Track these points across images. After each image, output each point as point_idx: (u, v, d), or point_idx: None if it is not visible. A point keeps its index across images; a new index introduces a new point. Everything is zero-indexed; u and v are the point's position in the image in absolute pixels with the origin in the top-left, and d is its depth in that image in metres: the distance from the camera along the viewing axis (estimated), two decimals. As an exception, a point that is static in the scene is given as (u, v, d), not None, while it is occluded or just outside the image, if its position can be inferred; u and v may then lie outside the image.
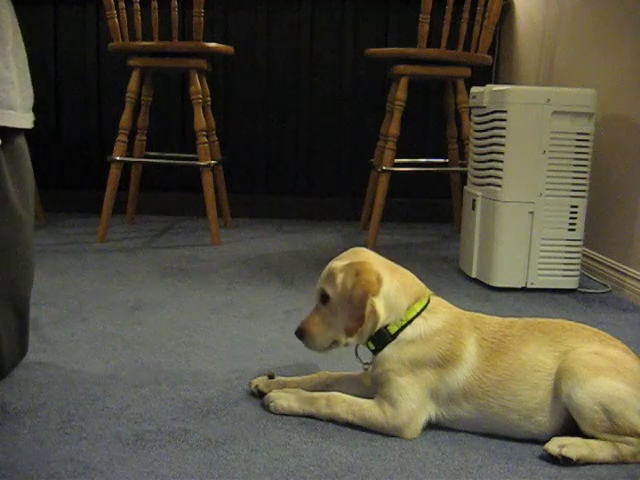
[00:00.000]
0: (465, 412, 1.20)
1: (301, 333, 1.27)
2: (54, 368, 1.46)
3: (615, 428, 1.11)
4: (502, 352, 1.19)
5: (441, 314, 1.23)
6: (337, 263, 1.25)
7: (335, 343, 1.26)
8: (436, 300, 1.26)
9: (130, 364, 1.50)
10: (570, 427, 1.15)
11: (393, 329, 1.22)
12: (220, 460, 1.11)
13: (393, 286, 1.23)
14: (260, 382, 1.35)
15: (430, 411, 1.21)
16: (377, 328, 1.23)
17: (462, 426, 1.22)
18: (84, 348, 1.59)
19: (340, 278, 1.21)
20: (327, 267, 1.27)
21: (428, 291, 1.27)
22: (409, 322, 1.22)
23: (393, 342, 1.22)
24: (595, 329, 1.24)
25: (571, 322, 1.26)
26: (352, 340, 1.24)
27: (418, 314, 1.22)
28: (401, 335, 1.22)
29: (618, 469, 1.11)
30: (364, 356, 1.28)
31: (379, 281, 1.21)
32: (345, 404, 1.23)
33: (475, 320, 1.24)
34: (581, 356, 1.15)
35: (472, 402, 1.19)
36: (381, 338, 1.23)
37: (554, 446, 1.12)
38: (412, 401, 1.19)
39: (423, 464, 1.11)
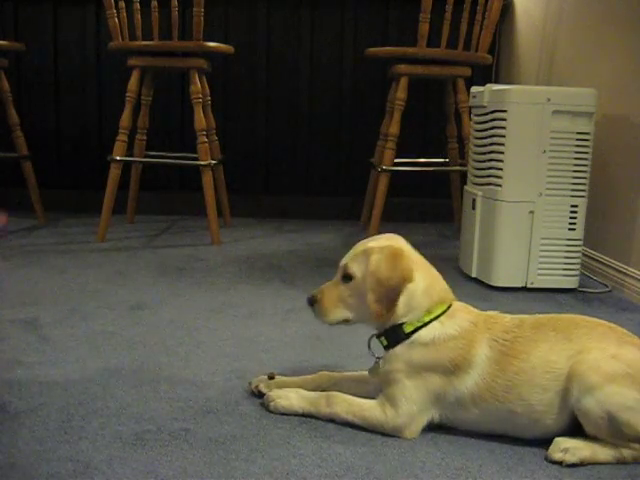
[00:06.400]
0: (471, 415, 1.18)
1: (313, 302, 1.25)
2: (54, 368, 1.46)
3: (620, 435, 1.10)
4: (513, 356, 1.16)
5: (459, 319, 1.20)
6: (372, 244, 1.23)
7: (345, 321, 1.25)
8: (458, 305, 1.24)
9: (130, 364, 1.50)
10: (576, 424, 1.14)
11: (408, 328, 1.20)
12: (220, 460, 1.11)
13: (421, 285, 1.21)
14: (260, 382, 1.34)
15: (433, 413, 1.20)
16: (392, 323, 1.21)
17: (466, 427, 1.21)
18: (84, 348, 1.59)
19: (375, 259, 1.19)
20: (358, 246, 1.25)
21: (452, 296, 1.25)
22: (425, 324, 1.20)
23: (406, 342, 1.20)
24: (611, 324, 1.21)
25: (585, 317, 1.22)
26: (368, 321, 1.23)
27: (436, 318, 1.20)
28: (415, 336, 1.20)
29: (618, 469, 1.11)
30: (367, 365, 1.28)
31: (411, 274, 1.19)
32: (345, 404, 1.23)
33: (487, 321, 1.22)
34: (596, 362, 1.11)
35: (479, 406, 1.17)
36: (395, 335, 1.22)
37: (557, 452, 1.11)
38: (414, 403, 1.18)
39: (423, 464, 1.11)
